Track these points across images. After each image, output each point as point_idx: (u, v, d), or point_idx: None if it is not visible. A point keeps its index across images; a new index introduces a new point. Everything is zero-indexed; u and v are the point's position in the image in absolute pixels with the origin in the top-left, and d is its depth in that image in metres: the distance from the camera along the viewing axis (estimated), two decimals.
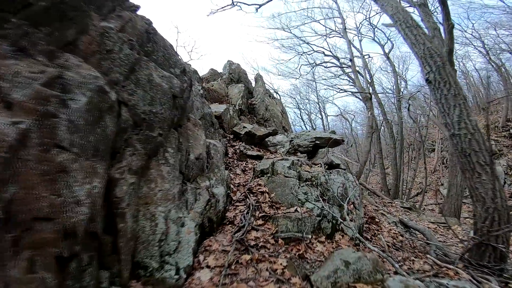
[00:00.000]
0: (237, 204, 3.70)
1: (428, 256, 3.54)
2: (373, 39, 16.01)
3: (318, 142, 6.87)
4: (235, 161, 4.79)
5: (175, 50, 3.64)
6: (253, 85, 10.56)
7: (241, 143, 5.40)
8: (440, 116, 3.95)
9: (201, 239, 2.79)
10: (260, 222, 3.31)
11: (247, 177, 4.42)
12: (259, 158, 5.05)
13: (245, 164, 4.77)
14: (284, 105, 13.61)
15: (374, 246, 3.53)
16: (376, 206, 7.74)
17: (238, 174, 4.48)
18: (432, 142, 21.15)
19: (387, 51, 15.62)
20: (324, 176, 4.51)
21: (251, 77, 11.66)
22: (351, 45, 11.80)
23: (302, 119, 27.44)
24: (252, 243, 2.89)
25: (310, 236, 3.16)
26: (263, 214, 3.39)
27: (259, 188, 4.10)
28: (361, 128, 31.99)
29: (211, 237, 2.94)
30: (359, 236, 3.46)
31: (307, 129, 25.43)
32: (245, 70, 10.75)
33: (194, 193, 2.99)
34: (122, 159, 2.25)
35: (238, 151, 5.02)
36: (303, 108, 27.26)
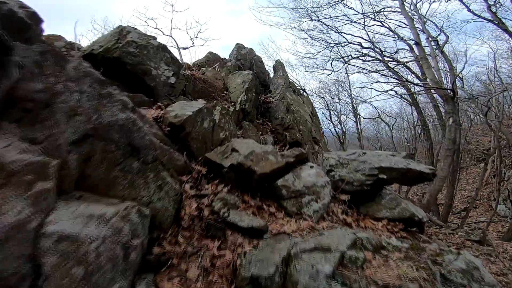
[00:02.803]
0: None
1: None
2: (422, 31, 12.31)
3: (385, 177, 3.67)
4: (194, 238, 1.84)
5: None
6: (271, 76, 7.55)
7: (221, 186, 2.42)
8: None
9: None
10: None
11: None
12: (256, 233, 2.02)
13: (219, 248, 1.78)
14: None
15: None
16: None
17: (190, 279, 1.52)
18: (485, 151, 17.24)
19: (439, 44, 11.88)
20: None
21: (270, 69, 8.69)
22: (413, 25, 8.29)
23: (331, 121, 23.69)
24: None
25: None
26: None
27: None
28: (397, 133, 27.45)
29: None
30: None
31: (337, 133, 21.89)
32: (261, 57, 7.78)
33: None
34: None
35: (206, 213, 2.04)
36: (332, 109, 23.56)
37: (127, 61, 3.45)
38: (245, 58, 7.14)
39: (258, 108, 5.52)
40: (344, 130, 23.10)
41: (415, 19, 10.20)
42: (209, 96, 4.53)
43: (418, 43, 7.22)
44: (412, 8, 10.18)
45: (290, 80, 7.50)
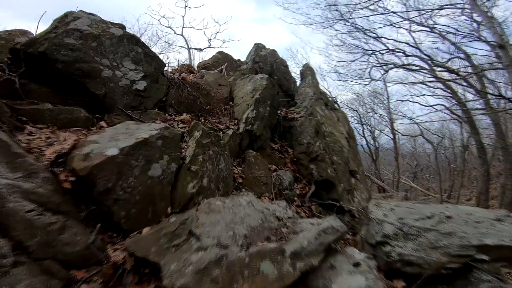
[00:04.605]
0: None
1: None
2: (477, 37, 9.93)
3: (486, 258, 1.93)
4: None
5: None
6: (297, 84, 6.01)
7: None
8: None
9: None
10: None
11: None
12: None
13: None
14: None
15: None
16: None
17: None
18: None
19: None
20: None
21: (298, 77, 7.19)
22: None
23: (364, 137, 21.30)
24: None
25: None
26: None
27: None
28: (444, 151, 23.93)
29: None
30: None
31: (370, 149, 19.53)
32: (285, 60, 6.26)
33: None
34: None
35: None
36: (365, 123, 21.20)
37: (58, 58, 2.13)
38: (265, 61, 5.68)
39: (276, 128, 3.97)
40: (377, 146, 20.66)
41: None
42: (201, 110, 3.10)
43: (502, 46, 5.23)
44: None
45: (321, 90, 5.87)
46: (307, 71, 5.68)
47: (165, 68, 3.08)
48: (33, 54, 2.18)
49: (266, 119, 3.36)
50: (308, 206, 3.61)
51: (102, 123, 2.13)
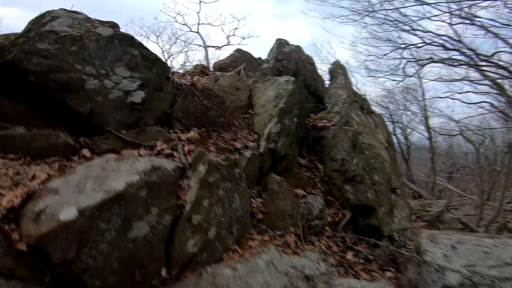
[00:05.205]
0: None
1: None
2: None
3: None
4: None
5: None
6: (327, 85, 5.29)
7: None
8: None
9: None
10: None
11: None
12: None
13: None
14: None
15: None
16: None
17: None
18: None
19: None
20: None
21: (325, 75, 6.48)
22: None
23: (395, 134, 19.76)
24: None
25: None
26: None
27: None
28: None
29: None
30: None
31: (401, 149, 18.07)
32: (312, 57, 5.55)
33: None
34: None
35: None
36: (396, 121, 19.61)
37: (28, 68, 1.69)
38: (288, 58, 5.02)
39: (304, 139, 3.34)
40: (409, 145, 19.08)
41: None
42: (214, 123, 2.56)
43: None
44: None
45: (355, 91, 5.11)
46: (338, 69, 4.93)
47: (173, 71, 2.58)
48: (2, 65, 1.76)
49: (293, 134, 2.74)
50: (341, 237, 2.98)
51: (85, 152, 1.66)
